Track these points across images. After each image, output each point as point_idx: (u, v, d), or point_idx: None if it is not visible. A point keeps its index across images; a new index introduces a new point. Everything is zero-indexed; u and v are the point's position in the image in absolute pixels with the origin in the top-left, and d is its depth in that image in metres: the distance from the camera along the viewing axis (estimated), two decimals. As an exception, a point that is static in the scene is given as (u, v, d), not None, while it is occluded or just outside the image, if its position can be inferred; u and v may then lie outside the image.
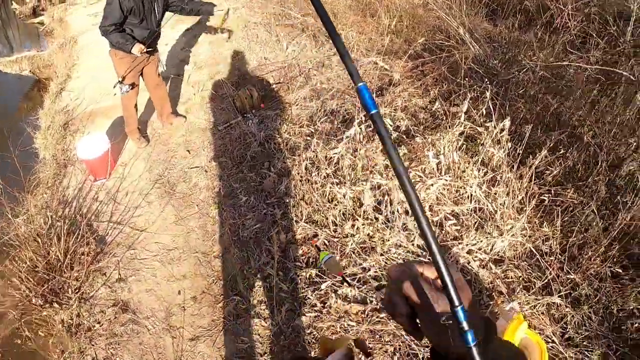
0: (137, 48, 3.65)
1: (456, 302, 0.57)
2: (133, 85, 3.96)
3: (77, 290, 3.09)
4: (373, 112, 0.67)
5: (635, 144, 3.48)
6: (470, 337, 0.55)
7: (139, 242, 3.45)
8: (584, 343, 2.58)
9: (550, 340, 2.55)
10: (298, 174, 3.31)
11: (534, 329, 2.58)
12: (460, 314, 0.57)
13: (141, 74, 4.05)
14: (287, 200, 3.32)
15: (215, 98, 4.77)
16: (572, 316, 2.67)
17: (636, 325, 2.63)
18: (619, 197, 3.14)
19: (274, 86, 4.66)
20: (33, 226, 3.35)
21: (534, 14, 5.28)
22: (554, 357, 2.49)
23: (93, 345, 2.85)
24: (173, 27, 6.19)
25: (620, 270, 2.83)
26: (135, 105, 4.18)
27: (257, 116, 4.31)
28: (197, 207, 3.68)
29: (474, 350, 0.55)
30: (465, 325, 0.56)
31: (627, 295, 2.73)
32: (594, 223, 2.97)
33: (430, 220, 0.64)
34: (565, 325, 2.65)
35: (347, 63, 0.72)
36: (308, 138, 3.62)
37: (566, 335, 2.63)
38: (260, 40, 5.44)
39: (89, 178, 4.06)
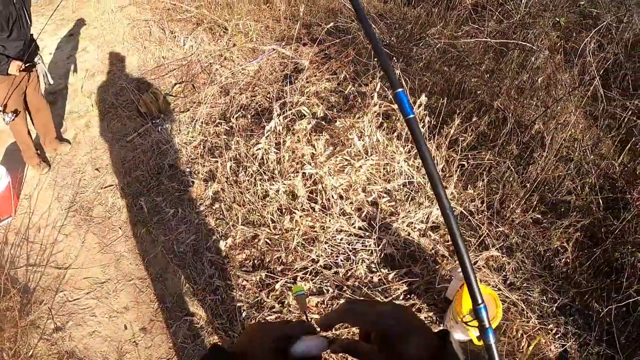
0: (14, 67, 3.12)
1: (479, 300, 0.59)
2: (17, 112, 3.44)
3: (13, 354, 2.73)
4: (410, 116, 0.66)
5: (536, 105, 3.82)
6: (491, 334, 0.57)
7: (67, 282, 3.12)
8: (524, 285, 2.88)
9: (496, 289, 2.78)
10: (224, 175, 3.20)
11: (482, 283, 2.78)
12: (483, 312, 0.59)
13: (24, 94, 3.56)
14: (218, 206, 3.20)
15: (116, 106, 4.40)
16: (509, 264, 2.94)
17: (563, 260, 2.96)
18: (529, 153, 3.47)
19: (177, 86, 4.41)
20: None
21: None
22: (503, 302, 2.72)
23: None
24: (54, 33, 5.59)
25: (540, 216, 3.15)
26: (27, 129, 3.71)
27: (167, 120, 4.06)
28: (120, 229, 3.40)
29: (494, 347, 0.57)
30: (486, 322, 0.58)
31: (550, 237, 3.05)
32: (511, 178, 3.24)
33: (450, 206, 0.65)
34: (505, 273, 2.91)
35: (388, 71, 0.71)
36: (226, 137, 3.49)
37: (508, 281, 2.90)
38: (154, 38, 5.09)
39: None
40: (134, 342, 2.77)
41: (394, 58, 4.06)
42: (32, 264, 3.24)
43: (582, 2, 4.79)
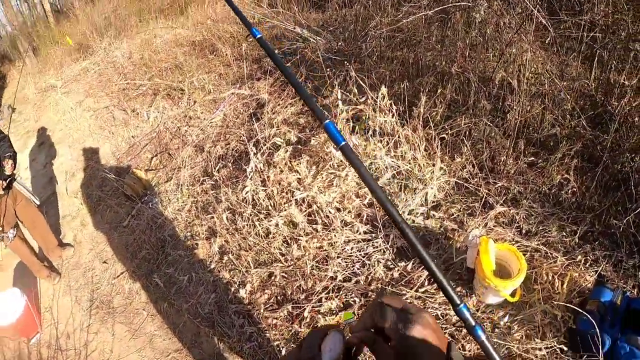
0: None
1: (457, 301, 0.61)
2: (16, 227, 3.55)
3: None
4: (342, 144, 0.71)
5: (493, 55, 3.86)
6: (480, 331, 0.60)
7: None
8: (540, 228, 2.89)
9: (514, 242, 2.79)
10: (223, 228, 3.25)
11: (497, 240, 2.79)
12: (464, 311, 0.61)
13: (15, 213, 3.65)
14: (227, 257, 3.24)
15: (104, 198, 4.48)
16: (518, 214, 2.95)
17: (569, 191, 2.97)
18: (501, 103, 3.51)
19: (154, 159, 4.49)
20: None
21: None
22: (525, 252, 2.73)
23: None
24: (24, 147, 5.70)
25: (533, 158, 3.19)
26: (29, 245, 3.79)
27: (154, 195, 4.13)
28: (144, 311, 3.43)
29: (487, 343, 0.59)
30: (472, 321, 0.60)
31: (550, 174, 3.08)
32: (492, 133, 3.28)
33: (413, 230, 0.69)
34: (518, 224, 2.93)
35: (311, 105, 0.76)
36: (214, 191, 3.55)
37: (523, 231, 2.91)
38: (119, 121, 5.20)
39: (22, 341, 3.61)
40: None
41: (345, 62, 4.13)
42: None
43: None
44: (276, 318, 2.89)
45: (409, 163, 3.24)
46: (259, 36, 0.96)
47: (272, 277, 3.04)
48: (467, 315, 0.62)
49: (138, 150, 4.68)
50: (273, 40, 5.21)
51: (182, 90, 4.87)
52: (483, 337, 0.61)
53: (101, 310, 3.62)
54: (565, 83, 3.61)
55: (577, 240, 2.78)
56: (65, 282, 4.00)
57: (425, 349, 0.56)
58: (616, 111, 3.15)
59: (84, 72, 7.43)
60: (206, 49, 5.53)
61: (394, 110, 3.39)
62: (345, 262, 2.95)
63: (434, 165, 3.23)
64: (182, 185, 3.85)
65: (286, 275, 3.01)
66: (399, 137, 3.33)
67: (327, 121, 0.70)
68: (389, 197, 0.63)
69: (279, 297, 3.00)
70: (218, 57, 5.29)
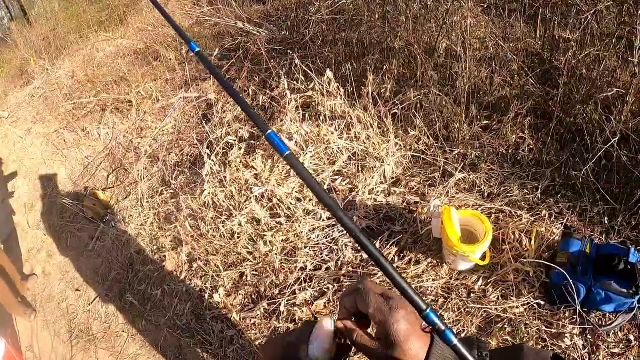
0: None
1: (423, 307, 0.60)
2: None
3: None
4: (286, 153, 0.68)
5: (436, 26, 3.85)
6: (451, 335, 0.58)
7: None
8: (502, 189, 2.94)
9: (478, 207, 2.82)
10: (188, 235, 3.20)
11: (461, 207, 2.82)
12: (432, 317, 0.60)
13: None
14: (197, 265, 3.20)
15: (65, 224, 4.36)
16: (478, 178, 2.99)
17: (527, 149, 3.02)
18: (449, 71, 3.53)
19: (111, 176, 4.38)
20: None
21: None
22: (490, 215, 2.78)
23: None
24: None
25: (487, 122, 3.23)
26: (2, 283, 3.67)
27: (116, 213, 4.04)
28: (124, 333, 3.36)
29: (460, 346, 0.58)
30: (440, 325, 0.59)
31: (505, 135, 3.12)
32: (443, 102, 3.30)
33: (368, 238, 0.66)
34: (480, 188, 2.98)
35: (252, 117, 0.73)
36: (174, 200, 3.49)
37: (486, 194, 2.95)
38: (70, 144, 5.05)
39: None
40: None
41: (289, 51, 4.09)
42: None
43: None
44: (254, 317, 2.88)
45: (364, 143, 3.24)
46: (197, 50, 0.92)
47: (244, 277, 3.03)
48: (436, 320, 0.61)
49: (93, 170, 4.55)
50: (216, 38, 5.11)
51: (130, 102, 4.75)
52: (455, 340, 0.60)
53: (82, 340, 3.53)
54: (510, 45, 3.65)
55: (539, 196, 2.84)
56: (41, 316, 3.88)
57: (411, 332, 0.59)
58: (563, 66, 3.21)
59: (29, 98, 7.16)
60: (149, 57, 5.39)
61: (342, 93, 3.38)
62: (314, 250, 2.95)
63: (388, 141, 3.24)
64: (141, 199, 3.77)
65: (257, 273, 2.99)
66: (350, 118, 3.33)
67: (270, 131, 0.67)
68: (337, 202, 0.62)
69: (253, 296, 2.99)
70: (162, 63, 5.16)
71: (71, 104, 5.34)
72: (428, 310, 0.60)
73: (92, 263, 3.89)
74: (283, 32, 4.79)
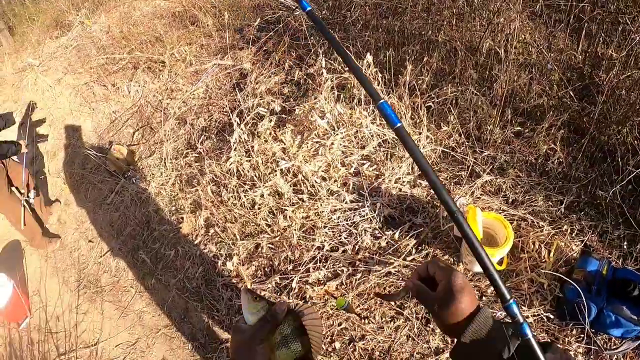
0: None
1: (507, 297, 0.61)
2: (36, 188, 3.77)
3: None
4: (398, 125, 0.66)
5: (480, 24, 3.77)
6: (527, 329, 0.57)
7: (101, 357, 3.13)
8: (527, 198, 2.89)
9: (501, 211, 2.78)
10: (208, 200, 3.19)
11: (484, 209, 2.78)
12: (514, 308, 0.59)
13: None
14: (213, 230, 3.19)
15: (86, 175, 4.39)
16: (505, 183, 2.94)
17: (556, 161, 2.96)
18: (488, 72, 3.46)
19: (137, 133, 4.39)
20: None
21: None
22: (512, 221, 2.73)
23: None
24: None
25: (520, 128, 3.16)
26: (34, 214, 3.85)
27: (138, 170, 4.05)
28: (132, 288, 3.40)
29: (533, 341, 0.58)
30: (520, 317, 0.58)
31: (536, 144, 3.05)
32: (479, 102, 3.23)
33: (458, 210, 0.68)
34: (505, 193, 2.93)
35: (364, 83, 0.71)
36: (198, 164, 3.48)
37: (510, 200, 2.91)
38: (99, 97, 5.06)
39: (11, 326, 3.56)
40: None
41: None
42: (63, 352, 3.24)
43: None
44: (265, 290, 2.87)
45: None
46: (308, 9, 0.88)
47: (259, 249, 3.02)
48: (517, 311, 0.60)
49: (120, 125, 4.56)
50: (255, 9, 5.06)
51: (163, 62, 4.73)
52: (530, 334, 0.59)
53: (89, 290, 3.58)
54: (552, 54, 3.56)
55: (563, 210, 2.80)
56: (52, 263, 3.94)
57: (465, 286, 0.72)
58: (603, 83, 3.13)
59: (62, 49, 7.18)
60: (187, 20, 5.36)
61: (379, 78, 3.32)
62: (332, 231, 2.92)
63: (420, 133, 3.19)
64: (165, 159, 3.77)
65: (273, 247, 2.98)
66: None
67: (382, 101, 0.64)
68: (442, 184, 0.61)
69: (266, 269, 2.98)
70: (199, 28, 5.13)
71: (104, 58, 5.35)
72: (511, 301, 0.62)
73: (109, 217, 3.92)
74: (324, 12, 4.72)
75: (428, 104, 3.38)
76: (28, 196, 3.73)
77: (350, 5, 4.55)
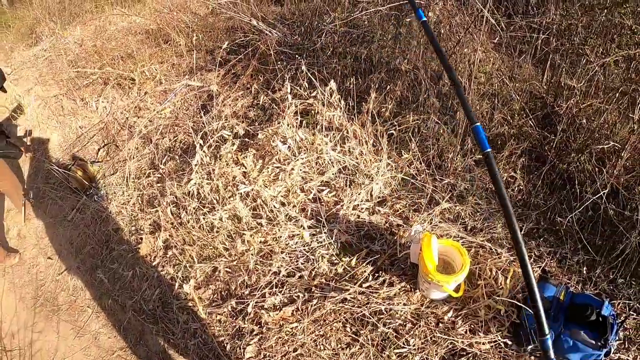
0: None
1: (546, 331, 0.62)
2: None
3: None
4: (487, 150, 0.70)
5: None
6: None
7: None
8: (485, 225, 2.97)
9: (459, 238, 2.85)
10: (167, 222, 3.19)
11: (442, 236, 2.84)
12: (548, 343, 0.61)
13: None
14: (172, 252, 3.19)
15: (48, 191, 4.33)
16: (464, 210, 3.02)
17: (516, 188, 3.06)
18: (451, 101, 3.57)
19: (101, 150, 4.36)
20: None
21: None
22: (469, 248, 2.80)
23: None
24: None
25: (481, 156, 3.25)
26: None
27: (100, 188, 4.03)
28: (89, 308, 3.35)
29: None
30: (551, 353, 0.61)
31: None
32: (441, 130, 3.33)
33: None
34: (463, 221, 3.01)
35: (465, 104, 0.74)
36: (159, 184, 3.48)
37: (469, 227, 2.98)
38: (67, 111, 5.02)
39: None
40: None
41: (297, 56, 4.11)
42: None
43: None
44: (220, 314, 2.88)
45: (356, 158, 3.27)
46: (423, 19, 0.94)
47: (216, 272, 3.03)
48: (549, 346, 0.64)
49: (85, 141, 4.53)
50: (228, 31, 5.13)
51: (133, 80, 4.74)
52: None
53: (46, 308, 3.51)
54: (516, 84, 3.70)
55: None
56: (9, 278, 3.85)
57: None
58: (564, 112, 3.26)
59: (34, 59, 7.11)
60: (160, 39, 5.38)
61: (342, 105, 3.40)
62: (290, 256, 2.96)
63: (380, 160, 3.26)
64: (127, 178, 3.76)
65: (230, 270, 2.99)
66: (347, 132, 3.35)
67: (477, 124, 0.69)
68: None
69: (223, 293, 2.98)
70: (172, 47, 5.16)
71: (75, 71, 5.32)
72: (548, 337, 0.63)
73: (69, 234, 3.87)
74: (295, 37, 4.81)
75: (390, 132, 3.47)
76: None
77: (321, 32, 4.66)
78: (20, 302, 3.64)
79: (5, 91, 3.83)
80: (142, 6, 7.03)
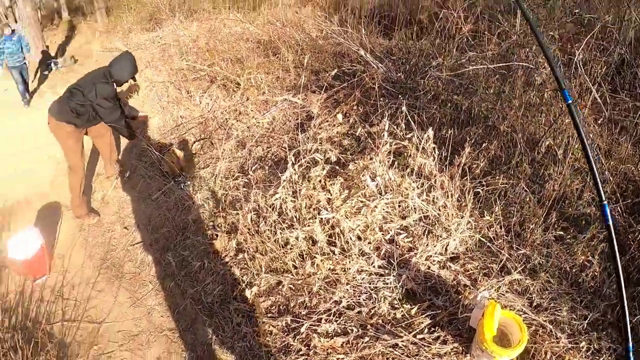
0: None
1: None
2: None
3: None
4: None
5: (546, 121, 3.83)
6: None
7: (101, 336, 3.22)
8: (552, 305, 2.86)
9: (522, 313, 2.77)
10: (245, 227, 3.32)
11: (506, 307, 2.78)
12: None
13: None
14: (242, 256, 3.31)
15: (140, 167, 4.65)
16: (533, 285, 2.93)
17: (590, 274, 2.93)
18: (543, 171, 3.49)
19: (197, 143, 4.64)
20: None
21: (427, 23, 5.70)
22: (530, 325, 2.71)
23: None
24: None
25: (562, 233, 3.16)
26: (82, 176, 4.20)
27: (188, 177, 4.27)
28: (150, 284, 3.53)
29: None
30: None
31: (574, 252, 3.04)
32: (527, 199, 3.27)
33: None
34: (530, 295, 2.91)
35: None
36: (245, 189, 3.64)
37: (534, 304, 2.88)
38: (172, 99, 5.39)
39: (27, 279, 3.75)
40: (165, 390, 2.81)
41: (400, 95, 4.20)
42: (67, 319, 3.36)
43: (577, 10, 4.75)
44: (274, 326, 2.94)
45: (439, 210, 3.27)
46: (569, 101, 1.01)
47: (280, 286, 3.10)
48: None
49: (183, 131, 4.83)
50: (335, 56, 5.32)
51: (238, 84, 5.02)
52: None
53: (110, 272, 3.73)
54: (611, 163, 3.56)
55: (585, 326, 2.74)
56: (84, 235, 4.14)
57: None
58: None
59: (149, 43, 7.72)
60: (269, 50, 5.69)
61: (435, 154, 3.42)
62: (353, 290, 2.98)
63: (462, 217, 3.24)
64: (217, 175, 3.96)
65: (293, 288, 3.06)
66: (434, 181, 3.36)
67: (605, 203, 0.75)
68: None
69: (281, 307, 3.05)
70: (279, 60, 5.43)
71: (186, 64, 5.72)
72: None
73: (149, 212, 4.12)
74: (399, 74, 4.91)
75: (477, 190, 3.44)
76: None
77: (426, 74, 4.72)
78: (88, 259, 3.90)
79: (135, 80, 4.21)
80: (256, 15, 7.48)
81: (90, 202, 4.46)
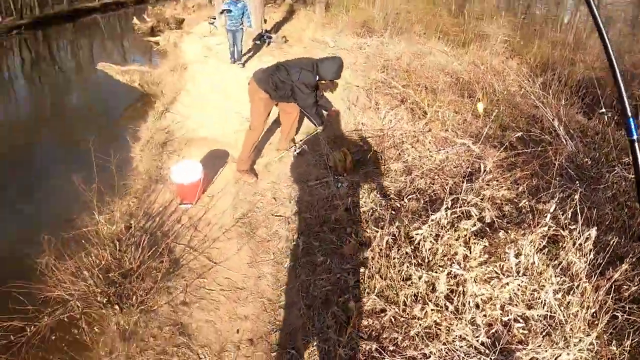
0: None
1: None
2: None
3: (141, 302, 3.26)
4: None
5: None
6: None
7: (210, 273, 3.61)
8: None
9: None
10: (378, 246, 3.42)
11: None
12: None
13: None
14: (363, 270, 3.44)
15: (308, 152, 5.08)
16: None
17: None
18: None
19: (367, 153, 4.88)
20: (114, 229, 3.65)
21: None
22: None
23: (142, 355, 2.96)
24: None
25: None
26: (257, 138, 4.79)
27: (348, 180, 4.52)
28: (273, 254, 3.82)
29: None
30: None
31: None
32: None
33: None
34: None
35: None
36: (393, 212, 3.75)
37: None
38: (360, 104, 5.73)
39: (176, 200, 4.46)
40: (238, 346, 3.05)
41: (577, 181, 3.88)
42: (191, 246, 3.86)
43: None
44: (358, 345, 3.01)
45: (568, 316, 2.97)
46: (634, 137, 0.96)
47: (382, 313, 3.15)
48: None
49: (359, 137, 5.12)
50: (526, 117, 5.09)
51: (425, 113, 5.13)
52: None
53: (244, 228, 4.14)
54: None
55: None
56: (237, 187, 4.71)
57: None
58: None
59: (356, 48, 8.28)
60: (465, 91, 5.68)
61: (589, 258, 3.11)
62: (447, 352, 2.90)
63: (588, 335, 2.88)
64: (373, 190, 4.14)
65: (393, 322, 3.09)
66: (577, 286, 3.07)
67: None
68: None
69: (373, 332, 3.09)
70: (472, 103, 5.40)
71: (383, 77, 6.02)
72: None
73: (301, 195, 4.49)
74: (586, 159, 4.50)
75: (616, 313, 2.99)
76: None
77: (612, 169, 4.22)
78: (230, 208, 4.41)
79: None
80: (464, 53, 7.48)
81: (254, 164, 5.03)
